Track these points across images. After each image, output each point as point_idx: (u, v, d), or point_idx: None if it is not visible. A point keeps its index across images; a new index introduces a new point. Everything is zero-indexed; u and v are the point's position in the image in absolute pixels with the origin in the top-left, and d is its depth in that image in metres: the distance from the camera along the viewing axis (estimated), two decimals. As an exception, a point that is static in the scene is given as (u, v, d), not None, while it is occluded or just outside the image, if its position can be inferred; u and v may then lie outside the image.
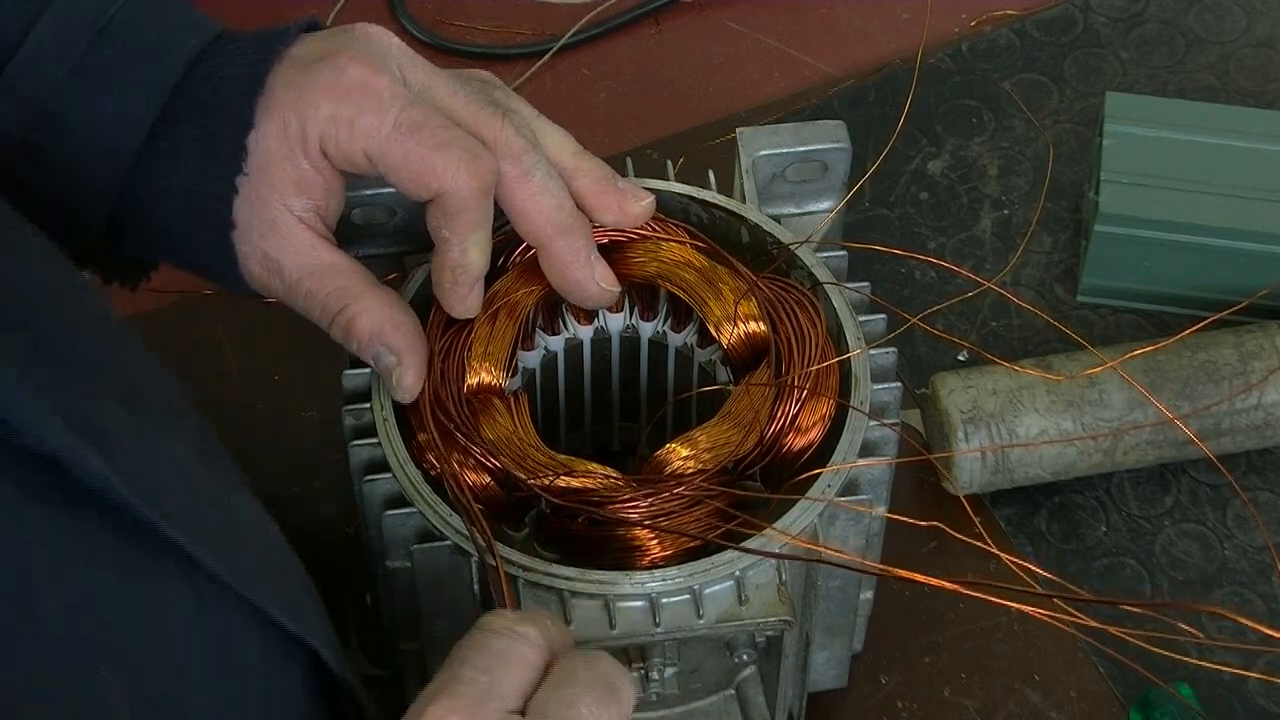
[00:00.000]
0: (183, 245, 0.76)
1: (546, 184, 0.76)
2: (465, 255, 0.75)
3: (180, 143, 0.74)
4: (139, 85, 0.73)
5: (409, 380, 0.75)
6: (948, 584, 0.69)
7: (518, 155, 0.75)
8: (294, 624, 0.63)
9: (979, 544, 0.74)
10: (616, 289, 0.79)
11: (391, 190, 0.81)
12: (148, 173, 0.74)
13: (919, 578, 0.69)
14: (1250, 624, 0.65)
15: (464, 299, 0.76)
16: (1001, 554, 0.75)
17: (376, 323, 0.75)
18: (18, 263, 0.62)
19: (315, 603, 0.67)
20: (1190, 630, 0.71)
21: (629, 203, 0.79)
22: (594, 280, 0.78)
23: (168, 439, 0.62)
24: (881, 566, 0.72)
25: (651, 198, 0.80)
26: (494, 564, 0.70)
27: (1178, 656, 0.75)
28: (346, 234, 0.82)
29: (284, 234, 0.74)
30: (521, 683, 0.60)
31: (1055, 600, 0.71)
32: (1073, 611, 0.70)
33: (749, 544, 0.72)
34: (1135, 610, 0.71)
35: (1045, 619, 0.72)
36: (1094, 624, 0.71)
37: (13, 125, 0.72)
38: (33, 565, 0.54)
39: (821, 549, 0.73)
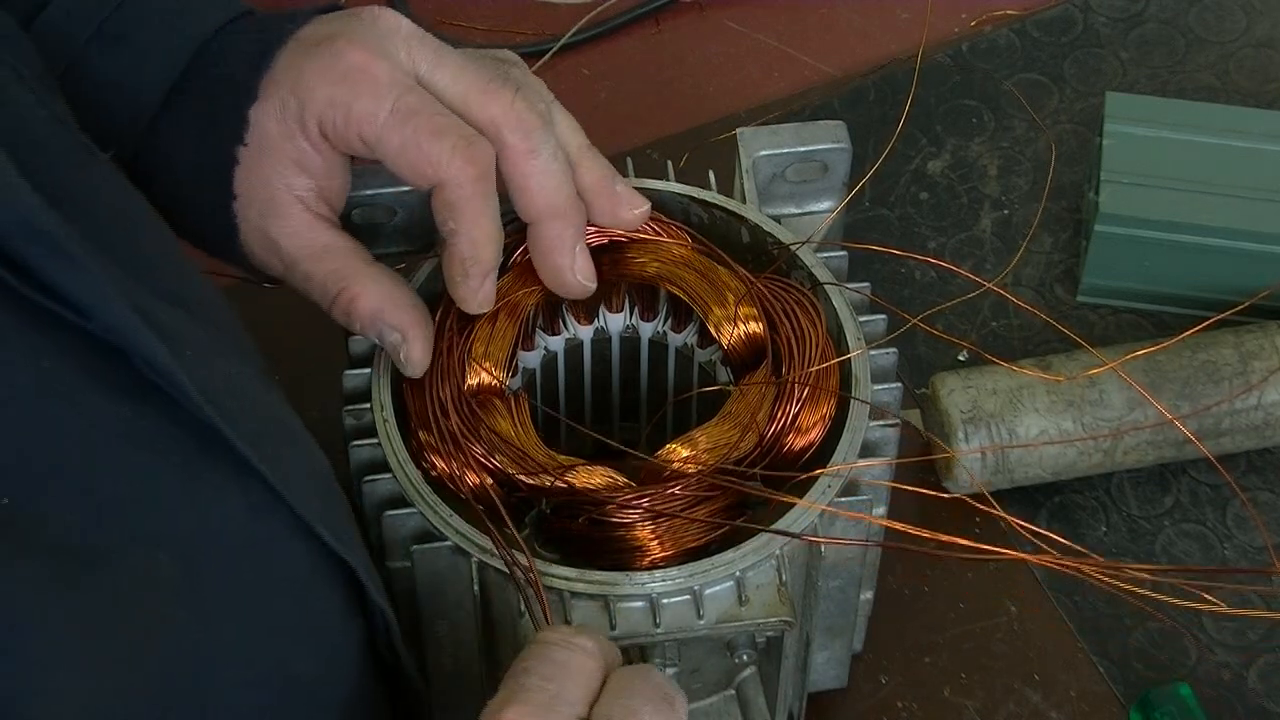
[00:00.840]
0: (187, 217, 0.76)
1: (550, 164, 0.75)
2: (474, 247, 0.74)
3: (187, 114, 0.74)
4: (158, 52, 0.74)
5: (417, 355, 0.75)
6: (959, 540, 0.69)
7: (527, 130, 0.74)
8: (338, 544, 0.64)
9: (988, 510, 0.74)
10: (593, 285, 0.78)
11: (392, 190, 0.81)
12: (157, 143, 0.74)
13: (938, 536, 0.69)
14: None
15: (476, 292, 0.75)
16: (1009, 518, 0.75)
17: (376, 302, 0.75)
18: (95, 181, 0.63)
19: (356, 530, 0.68)
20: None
21: (622, 208, 0.79)
22: (572, 270, 0.77)
23: (228, 355, 0.63)
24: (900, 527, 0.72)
25: (647, 206, 0.79)
26: (531, 578, 0.70)
27: (1191, 629, 0.75)
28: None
29: (283, 214, 0.74)
30: (585, 691, 0.61)
31: (1072, 564, 0.72)
32: (1085, 570, 0.70)
33: (753, 536, 0.72)
34: (1145, 575, 0.71)
35: (1061, 568, 0.71)
36: (1104, 579, 0.71)
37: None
38: (95, 447, 0.55)
39: (838, 512, 0.74)
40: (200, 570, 0.57)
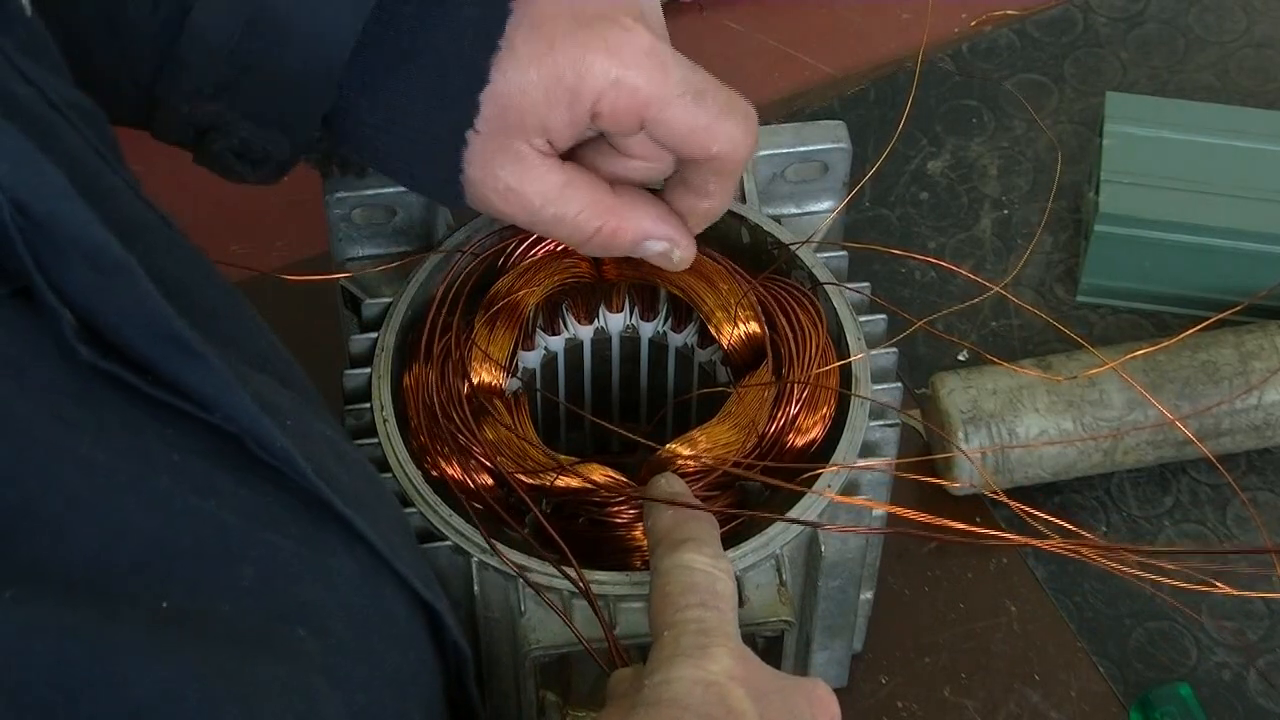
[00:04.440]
0: (406, 173, 0.75)
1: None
2: (719, 210, 0.76)
3: (410, 82, 0.72)
4: None
5: (689, 253, 0.77)
6: (961, 525, 0.69)
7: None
8: (428, 592, 0.64)
9: (995, 497, 0.74)
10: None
11: (391, 190, 0.81)
12: (375, 99, 0.73)
13: (945, 522, 0.69)
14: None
15: (692, 247, 0.77)
16: (1010, 502, 0.75)
17: (641, 228, 0.75)
18: (180, 255, 0.62)
19: (433, 573, 0.68)
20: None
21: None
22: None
23: (314, 414, 0.63)
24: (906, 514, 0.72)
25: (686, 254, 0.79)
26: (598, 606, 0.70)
27: (1191, 629, 0.75)
28: (346, 234, 0.82)
29: (526, 165, 0.73)
30: None
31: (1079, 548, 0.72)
32: (1085, 554, 0.71)
33: (753, 536, 0.72)
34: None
35: (1064, 552, 0.72)
36: (1105, 561, 0.71)
37: (223, 32, 0.71)
38: (230, 534, 0.55)
39: (844, 499, 0.73)
40: (331, 638, 0.58)
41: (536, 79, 0.71)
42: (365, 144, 0.74)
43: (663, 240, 0.76)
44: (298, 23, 0.71)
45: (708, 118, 0.72)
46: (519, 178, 0.73)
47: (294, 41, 0.71)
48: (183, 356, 0.54)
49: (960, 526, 0.70)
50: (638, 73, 0.71)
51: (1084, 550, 0.71)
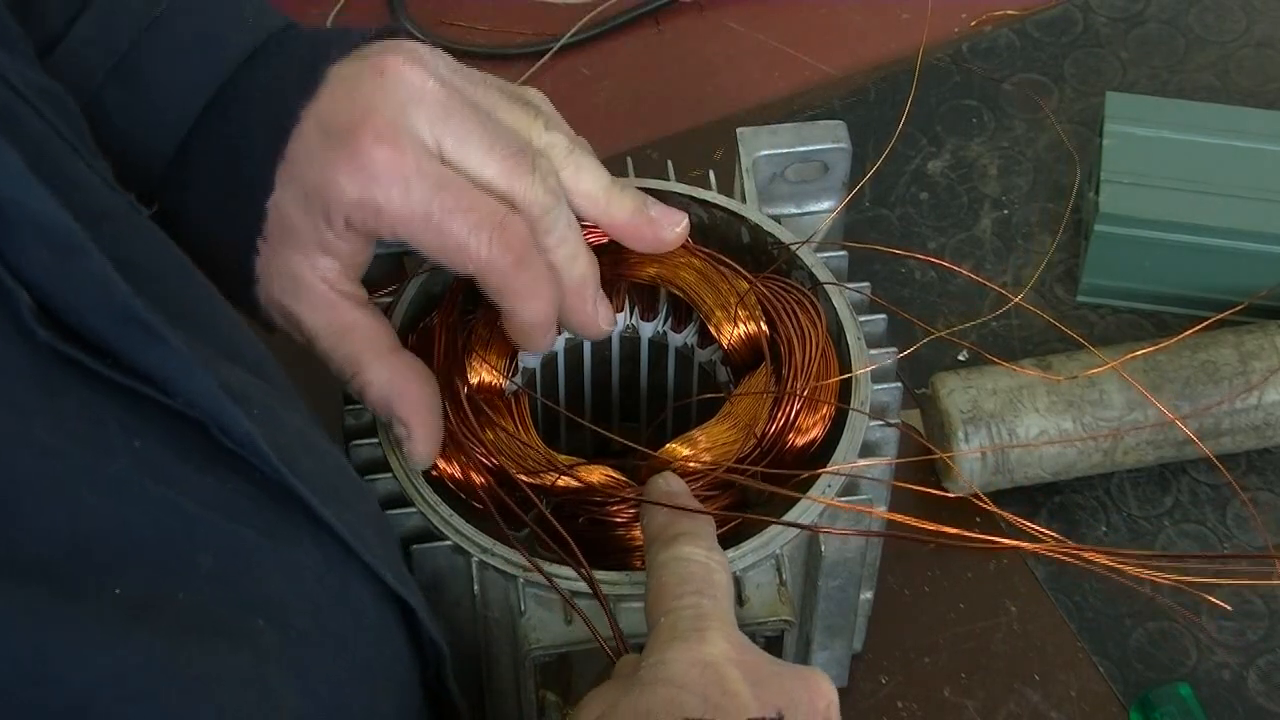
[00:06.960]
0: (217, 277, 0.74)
1: (565, 237, 0.74)
2: (532, 316, 0.73)
3: (209, 186, 0.72)
4: (177, 89, 0.72)
5: (418, 451, 0.74)
6: (960, 532, 0.70)
7: (540, 215, 0.73)
8: (401, 586, 0.64)
9: (987, 508, 0.74)
10: (611, 326, 0.78)
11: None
12: (179, 200, 0.73)
13: (941, 529, 0.69)
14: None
15: (540, 346, 0.75)
16: (1007, 515, 0.75)
17: (383, 395, 0.73)
18: (148, 243, 0.62)
19: (407, 568, 0.68)
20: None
21: (663, 231, 0.78)
22: (596, 324, 0.77)
23: (286, 406, 0.63)
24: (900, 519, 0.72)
25: (685, 220, 0.78)
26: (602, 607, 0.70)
27: (1191, 629, 0.75)
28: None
29: (305, 290, 0.72)
30: None
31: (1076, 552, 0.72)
32: (1086, 558, 0.71)
33: (753, 536, 0.72)
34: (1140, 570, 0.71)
35: (1063, 556, 0.72)
36: (1099, 559, 0.72)
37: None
38: (192, 522, 0.55)
39: (841, 505, 0.73)
40: (292, 630, 0.57)
41: (295, 194, 0.71)
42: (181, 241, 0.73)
43: (400, 423, 0.73)
44: (124, 118, 0.71)
45: (453, 232, 0.70)
46: (296, 301, 0.73)
47: (117, 133, 0.71)
48: (144, 338, 0.54)
49: (957, 532, 0.70)
50: (377, 190, 0.69)
51: (1086, 554, 0.71)
